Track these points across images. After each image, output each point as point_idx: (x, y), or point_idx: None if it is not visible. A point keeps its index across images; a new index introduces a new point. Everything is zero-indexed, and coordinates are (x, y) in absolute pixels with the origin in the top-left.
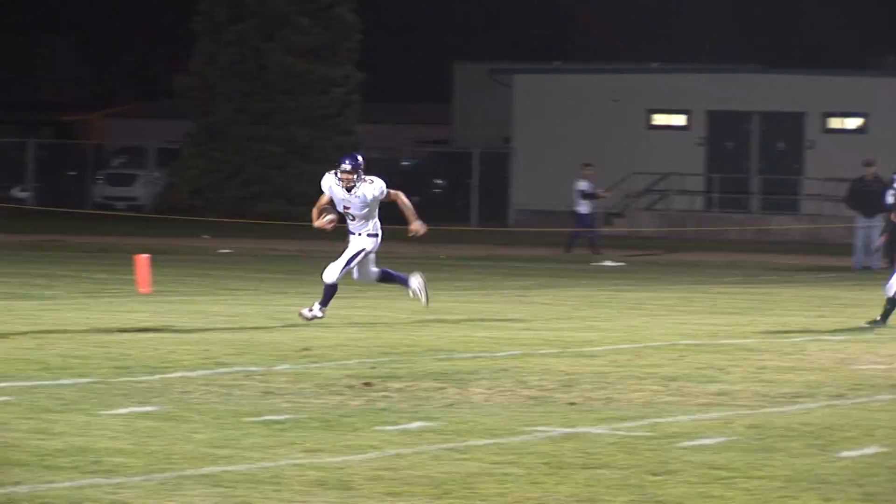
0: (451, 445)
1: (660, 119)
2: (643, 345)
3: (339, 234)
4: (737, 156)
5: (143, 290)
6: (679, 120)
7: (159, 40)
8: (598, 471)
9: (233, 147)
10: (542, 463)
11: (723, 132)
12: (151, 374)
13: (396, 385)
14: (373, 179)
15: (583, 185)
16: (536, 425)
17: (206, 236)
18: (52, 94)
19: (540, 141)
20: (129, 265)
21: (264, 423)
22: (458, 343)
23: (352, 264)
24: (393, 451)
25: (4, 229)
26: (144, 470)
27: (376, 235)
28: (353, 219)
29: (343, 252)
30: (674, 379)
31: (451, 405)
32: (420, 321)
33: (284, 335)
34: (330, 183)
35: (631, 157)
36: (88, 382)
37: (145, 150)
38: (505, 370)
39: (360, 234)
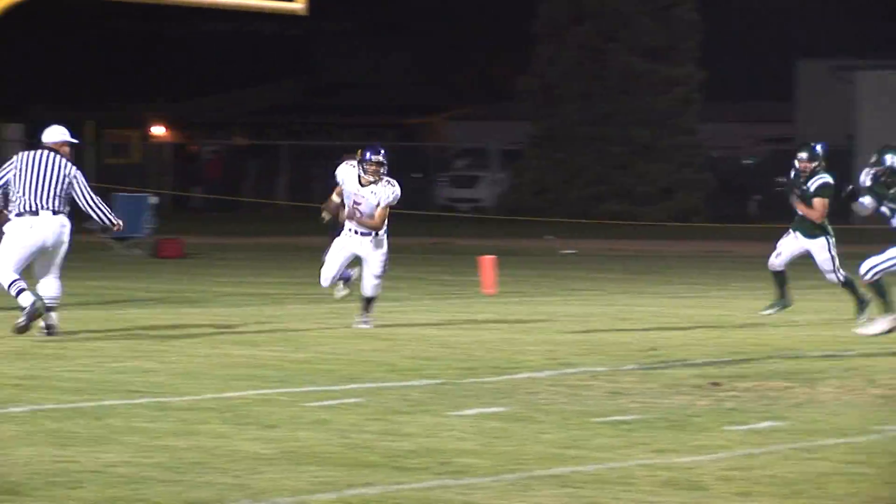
0: (800, 445)
1: None
2: None
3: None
4: None
5: (487, 291)
6: None
7: (501, 43)
8: None
9: (575, 148)
10: (894, 462)
11: None
12: (498, 374)
13: (744, 385)
14: (394, 182)
15: None
16: (887, 424)
17: (549, 237)
18: (395, 97)
19: (884, 138)
20: (473, 266)
21: (612, 423)
22: (805, 342)
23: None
24: (742, 451)
25: None
26: (493, 471)
27: (383, 246)
28: (360, 215)
29: (328, 254)
30: None
31: (799, 404)
32: (766, 322)
33: (629, 335)
34: (346, 174)
35: None
36: (436, 384)
37: (488, 151)
38: (854, 369)
39: (359, 236)
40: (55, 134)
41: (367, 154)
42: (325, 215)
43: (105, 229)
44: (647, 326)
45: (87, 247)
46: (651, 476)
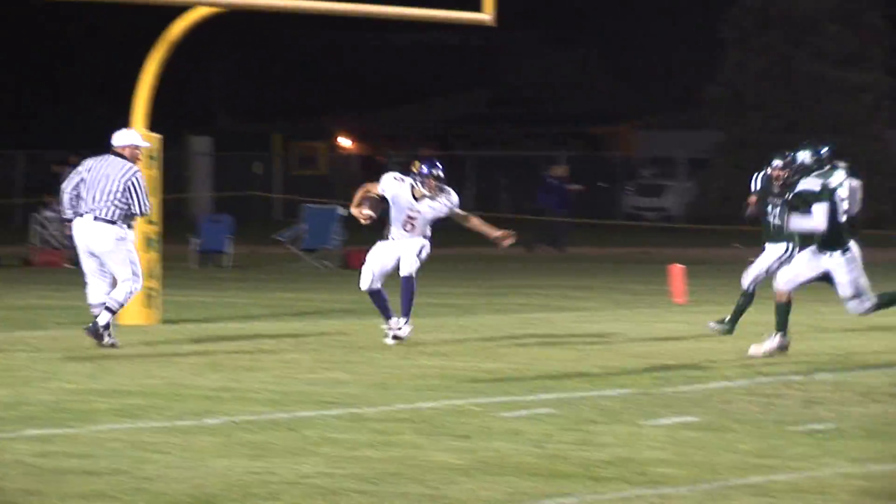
0: None
1: None
2: None
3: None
4: None
5: (678, 300)
6: None
7: (689, 50)
8: None
9: (762, 155)
10: None
11: None
12: (691, 383)
13: None
14: (449, 189)
15: None
16: None
17: (737, 245)
18: (581, 106)
19: None
20: (662, 275)
21: (808, 432)
22: None
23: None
24: None
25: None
26: (689, 480)
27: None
28: (413, 228)
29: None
30: None
31: None
32: None
33: (822, 343)
34: (398, 188)
35: None
36: (629, 393)
37: (674, 160)
38: None
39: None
40: (122, 137)
41: (426, 168)
42: (360, 215)
43: (293, 241)
44: (840, 334)
45: (277, 259)
46: (847, 485)
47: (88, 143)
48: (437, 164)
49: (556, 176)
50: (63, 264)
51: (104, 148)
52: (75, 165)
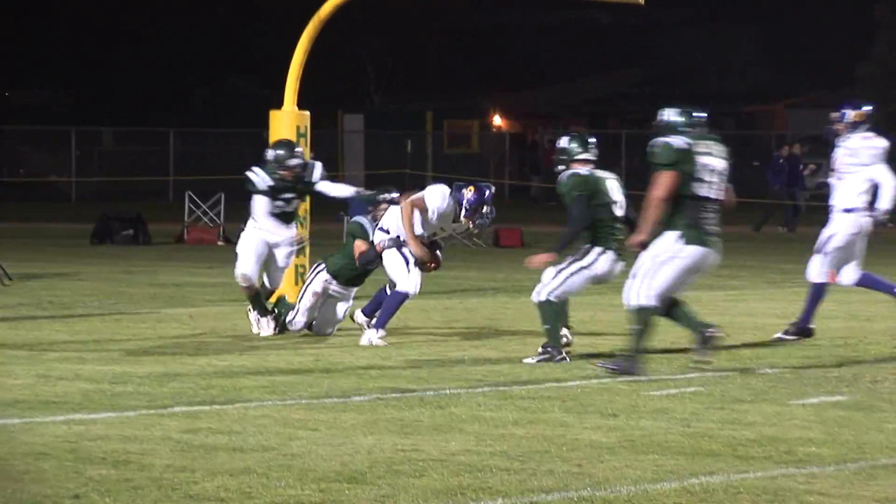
0: None
1: None
2: None
3: None
4: None
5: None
6: None
7: (843, 29)
8: None
9: None
10: None
11: None
12: (840, 363)
13: None
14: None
15: None
16: None
17: (891, 225)
18: (733, 85)
19: None
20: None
21: None
22: None
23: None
24: None
25: None
26: (837, 459)
27: None
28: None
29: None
30: None
31: None
32: None
33: None
34: (446, 205)
35: None
36: (777, 372)
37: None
38: None
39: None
40: None
41: (483, 194)
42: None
43: None
44: None
45: None
46: None
47: (242, 122)
48: (491, 189)
49: (786, 155)
50: (216, 241)
51: (259, 125)
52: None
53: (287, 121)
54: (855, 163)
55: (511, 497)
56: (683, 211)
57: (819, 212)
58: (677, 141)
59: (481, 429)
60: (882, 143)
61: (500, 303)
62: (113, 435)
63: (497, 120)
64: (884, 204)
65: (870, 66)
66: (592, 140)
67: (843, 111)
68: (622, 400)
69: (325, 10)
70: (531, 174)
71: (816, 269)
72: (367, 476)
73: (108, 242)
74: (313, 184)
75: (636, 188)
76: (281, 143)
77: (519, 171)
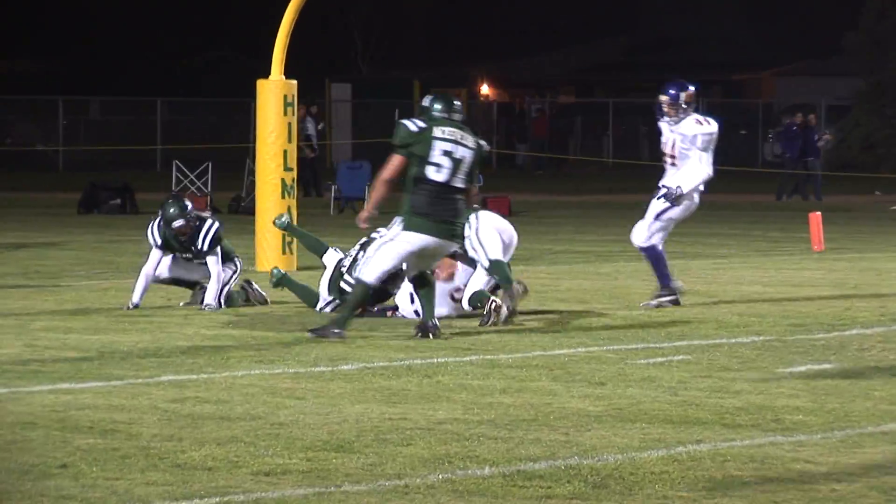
0: None
1: None
2: None
3: None
4: None
5: (816, 248)
6: None
7: None
8: None
9: None
10: None
11: None
12: (828, 331)
13: None
14: None
15: None
16: None
17: (878, 192)
18: (722, 53)
19: None
20: (801, 223)
21: None
22: None
23: None
24: None
25: None
26: (823, 427)
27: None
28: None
29: None
30: None
31: None
32: None
33: None
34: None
35: None
36: (765, 340)
37: (814, 107)
38: None
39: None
40: None
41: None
42: None
43: None
44: None
45: None
46: None
47: (229, 92)
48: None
49: (797, 123)
50: (205, 210)
51: (246, 95)
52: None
53: (274, 90)
54: (689, 148)
55: (498, 465)
56: (412, 195)
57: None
58: (412, 124)
59: (468, 397)
60: (714, 128)
61: None
62: (100, 404)
63: (484, 89)
64: (687, 185)
65: (857, 35)
66: (457, 102)
67: (674, 92)
68: (609, 368)
69: None
70: (518, 143)
71: (644, 235)
72: (354, 445)
73: (96, 212)
74: (202, 252)
75: (624, 157)
76: (171, 200)
77: (506, 140)
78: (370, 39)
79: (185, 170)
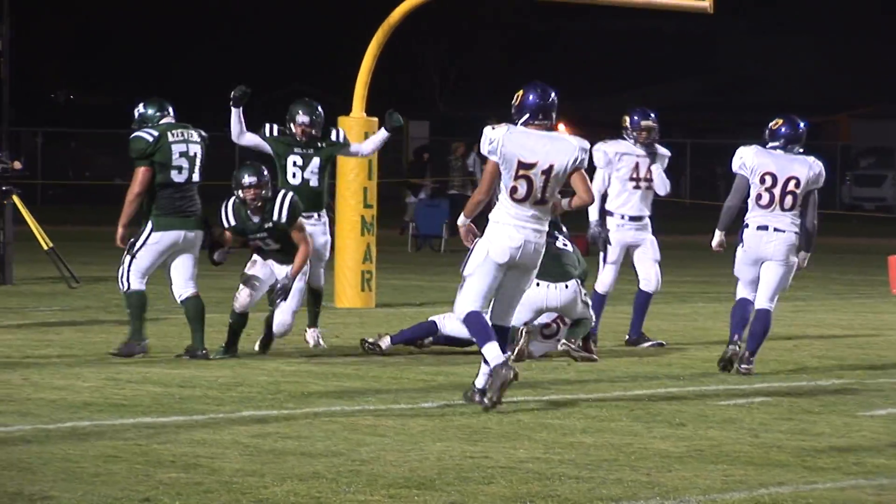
0: None
1: None
2: None
3: None
4: None
5: (895, 290)
6: None
7: None
8: None
9: None
10: None
11: None
12: None
13: None
14: None
15: None
16: None
17: None
18: (798, 94)
19: None
20: (880, 266)
21: None
22: None
23: None
24: None
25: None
26: None
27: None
28: None
29: None
30: None
31: None
32: None
33: None
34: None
35: None
36: (845, 383)
37: (894, 150)
38: None
39: None
40: None
41: None
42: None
43: None
44: None
45: None
46: None
47: None
48: None
49: None
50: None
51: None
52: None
53: (355, 126)
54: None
55: None
56: (157, 200)
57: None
58: (147, 135)
59: (549, 436)
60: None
61: None
62: (182, 438)
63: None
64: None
65: None
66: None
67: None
68: (690, 409)
69: (394, 17)
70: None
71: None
72: (435, 482)
73: None
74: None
75: (701, 197)
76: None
77: None
78: (447, 77)
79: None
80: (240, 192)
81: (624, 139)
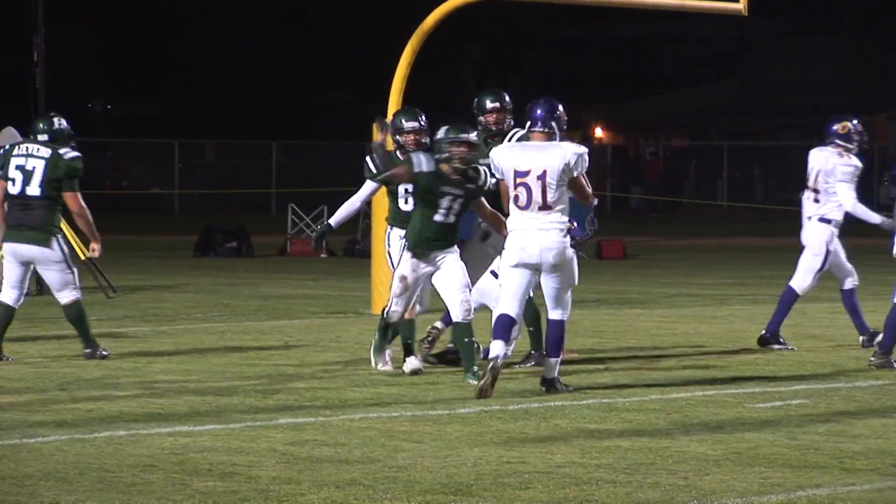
0: None
1: None
2: None
3: None
4: None
5: None
6: None
7: None
8: None
9: None
10: None
11: None
12: None
13: None
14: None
15: None
16: None
17: None
18: (834, 96)
19: None
20: None
21: None
22: None
23: None
24: None
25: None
26: None
27: None
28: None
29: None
30: None
31: None
32: None
33: None
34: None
35: None
36: (883, 385)
37: None
38: None
39: None
40: None
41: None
42: None
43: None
44: None
45: None
46: None
47: (344, 134)
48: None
49: None
50: (320, 254)
51: (362, 138)
52: None
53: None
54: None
55: None
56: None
57: None
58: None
59: (586, 441)
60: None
61: (602, 315)
62: (219, 447)
63: (598, 132)
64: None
65: None
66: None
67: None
68: (727, 412)
69: (428, 22)
70: (632, 186)
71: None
72: (472, 488)
73: (212, 255)
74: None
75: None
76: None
77: (621, 183)
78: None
79: (301, 213)
80: (399, 137)
81: None
